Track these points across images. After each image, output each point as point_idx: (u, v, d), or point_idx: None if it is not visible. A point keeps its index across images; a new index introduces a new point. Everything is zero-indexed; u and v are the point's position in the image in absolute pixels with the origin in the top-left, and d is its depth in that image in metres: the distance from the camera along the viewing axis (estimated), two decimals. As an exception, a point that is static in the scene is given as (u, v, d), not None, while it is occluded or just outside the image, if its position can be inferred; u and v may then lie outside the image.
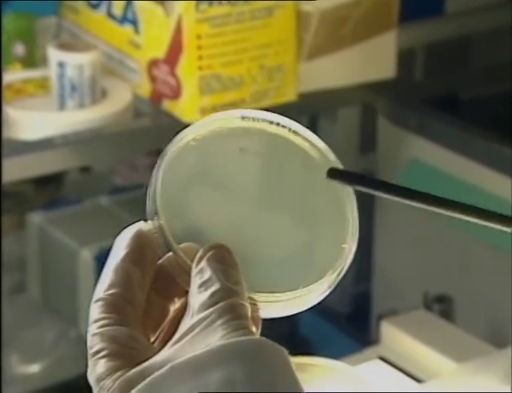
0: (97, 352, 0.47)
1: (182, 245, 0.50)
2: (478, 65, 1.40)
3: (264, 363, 0.46)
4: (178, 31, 1.12)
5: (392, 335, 1.15)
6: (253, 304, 0.49)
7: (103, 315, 0.48)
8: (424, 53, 1.37)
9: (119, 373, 0.47)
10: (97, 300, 0.49)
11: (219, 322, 0.47)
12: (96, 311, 0.48)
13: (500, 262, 1.23)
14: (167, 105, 1.16)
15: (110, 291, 0.48)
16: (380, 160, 1.37)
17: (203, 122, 0.52)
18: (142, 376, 0.46)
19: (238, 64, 1.14)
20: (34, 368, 1.34)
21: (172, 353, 0.47)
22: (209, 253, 0.49)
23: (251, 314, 0.49)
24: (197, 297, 0.48)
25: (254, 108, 1.26)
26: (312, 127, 1.49)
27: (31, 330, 1.30)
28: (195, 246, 0.49)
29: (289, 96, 1.18)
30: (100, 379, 0.47)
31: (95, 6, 1.21)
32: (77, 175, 1.53)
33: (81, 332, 1.32)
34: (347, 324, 1.40)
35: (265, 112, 0.52)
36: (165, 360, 0.46)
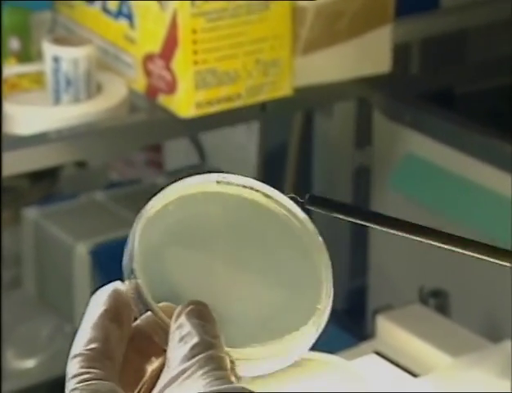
0: None
1: (160, 304, 0.51)
2: (473, 60, 1.40)
3: None
4: (173, 26, 1.11)
5: (388, 329, 1.14)
6: (231, 361, 0.51)
7: (83, 370, 0.48)
8: (420, 48, 1.37)
9: None
10: (76, 356, 0.49)
11: (200, 372, 0.47)
12: (75, 366, 0.48)
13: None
14: (162, 99, 1.16)
15: (89, 347, 0.49)
16: (376, 154, 1.37)
17: (180, 186, 0.53)
18: None
19: (233, 58, 1.14)
20: (30, 363, 1.34)
21: None
22: (188, 309, 0.50)
23: (230, 368, 0.50)
24: (177, 351, 0.48)
25: (250, 102, 1.26)
26: (308, 121, 1.49)
27: (27, 325, 1.30)
28: (172, 305, 0.50)
29: (285, 90, 1.18)
30: None
31: (90, 1, 1.20)
32: (72, 170, 1.53)
33: (76, 326, 1.31)
34: (343, 319, 1.40)
35: (240, 177, 0.54)
36: None
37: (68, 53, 1.12)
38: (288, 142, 1.45)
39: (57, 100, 1.14)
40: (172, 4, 1.11)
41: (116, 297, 0.51)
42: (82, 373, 0.48)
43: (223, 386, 0.47)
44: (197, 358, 0.48)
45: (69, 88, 1.13)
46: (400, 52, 1.28)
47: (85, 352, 0.49)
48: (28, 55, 1.19)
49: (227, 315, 0.51)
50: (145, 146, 1.57)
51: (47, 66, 1.13)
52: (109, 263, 1.28)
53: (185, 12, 1.11)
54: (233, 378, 0.48)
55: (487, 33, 1.38)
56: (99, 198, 1.38)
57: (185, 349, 0.48)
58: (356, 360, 1.09)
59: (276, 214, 0.54)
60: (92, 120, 1.13)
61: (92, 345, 0.49)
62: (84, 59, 1.13)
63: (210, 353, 0.48)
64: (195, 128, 1.25)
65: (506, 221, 1.21)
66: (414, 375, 1.10)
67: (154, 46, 1.14)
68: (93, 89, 1.15)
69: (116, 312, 0.50)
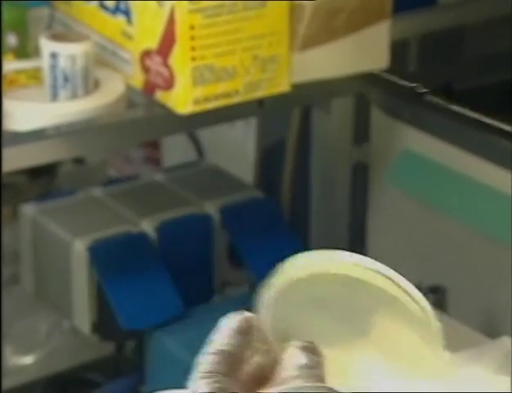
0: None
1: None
2: (471, 56, 1.39)
3: None
4: (171, 22, 1.11)
5: (386, 325, 1.14)
6: None
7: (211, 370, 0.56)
8: (418, 44, 1.37)
9: None
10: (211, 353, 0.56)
11: (299, 380, 0.55)
12: (206, 363, 0.56)
13: (494, 253, 1.23)
14: (160, 95, 1.15)
15: (218, 360, 0.56)
16: (374, 150, 1.37)
17: (320, 259, 0.58)
18: None
19: (231, 54, 1.13)
20: (28, 360, 1.33)
21: None
22: (300, 344, 0.58)
23: None
24: (284, 372, 0.56)
25: (247, 98, 1.25)
26: (306, 117, 1.48)
27: (25, 321, 1.29)
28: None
29: (283, 86, 1.18)
30: None
31: (87, -3, 1.20)
32: (70, 167, 1.53)
33: (74, 323, 1.31)
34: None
35: (378, 263, 0.60)
36: None
37: (65, 49, 1.12)
38: (286, 138, 1.44)
39: (55, 96, 1.13)
40: (169, 0, 1.11)
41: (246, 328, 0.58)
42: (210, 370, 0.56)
43: (305, 384, 0.54)
44: (300, 373, 0.55)
45: (67, 84, 1.13)
46: (398, 49, 1.27)
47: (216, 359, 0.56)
48: (25, 51, 1.19)
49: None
50: (143, 142, 1.56)
51: (45, 62, 1.13)
52: (107, 259, 1.28)
53: (182, 8, 1.10)
54: None
55: (485, 29, 1.38)
56: (97, 194, 1.38)
57: (292, 370, 0.56)
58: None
59: (406, 308, 0.59)
60: (89, 116, 1.12)
61: (220, 360, 0.56)
62: (82, 55, 1.12)
63: (314, 371, 0.56)
64: (193, 124, 1.25)
65: (503, 217, 1.21)
66: (412, 371, 1.09)
67: (152, 42, 1.14)
68: (91, 85, 1.14)
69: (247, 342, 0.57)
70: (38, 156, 1.12)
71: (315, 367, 0.56)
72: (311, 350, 0.57)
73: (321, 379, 0.56)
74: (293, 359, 0.57)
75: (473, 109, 1.28)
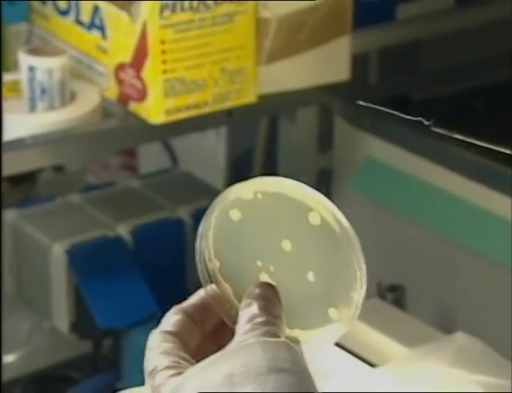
0: (155, 368, 0.52)
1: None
2: (427, 68, 1.41)
3: (260, 354, 0.50)
4: (143, 37, 1.12)
5: (348, 323, 1.15)
6: (294, 340, 0.55)
7: (159, 344, 0.54)
8: (378, 57, 1.38)
9: (171, 379, 0.51)
10: (155, 333, 0.55)
11: (254, 340, 0.51)
12: (153, 342, 0.54)
13: (449, 253, 1.24)
14: (134, 107, 1.16)
15: (166, 329, 0.55)
16: (337, 157, 1.38)
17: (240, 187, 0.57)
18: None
19: (201, 67, 1.14)
20: (9, 358, 1.33)
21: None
22: (257, 291, 0.55)
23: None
24: (241, 327, 0.53)
25: (217, 109, 1.26)
26: (272, 127, 1.49)
27: (6, 322, 1.29)
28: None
29: (250, 98, 1.19)
30: (157, 388, 0.51)
31: (64, 13, 1.20)
32: (50, 174, 1.53)
33: (54, 323, 1.31)
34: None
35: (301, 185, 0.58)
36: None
37: (43, 63, 1.12)
38: (254, 146, 1.45)
39: (33, 108, 1.14)
40: (141, 16, 1.11)
41: (201, 299, 0.56)
42: (159, 346, 0.54)
43: (250, 341, 0.50)
44: (255, 332, 0.52)
45: (44, 96, 1.13)
46: (359, 61, 1.29)
47: (163, 332, 0.55)
48: (5, 65, 1.19)
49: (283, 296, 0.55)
50: (120, 150, 1.56)
51: (23, 76, 1.13)
52: (84, 262, 1.28)
53: (154, 24, 1.11)
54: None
55: (441, 43, 1.39)
56: (75, 200, 1.38)
57: (248, 326, 0.52)
58: (316, 352, 1.10)
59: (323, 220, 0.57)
60: (66, 127, 1.12)
61: (170, 328, 0.54)
62: (58, 69, 1.13)
63: (269, 329, 0.52)
64: (166, 133, 1.25)
65: (458, 218, 1.22)
66: (372, 365, 1.10)
67: (125, 56, 1.14)
68: (67, 97, 1.15)
69: (195, 310, 0.56)
70: (17, 165, 1.12)
71: (268, 317, 0.53)
72: (264, 296, 0.55)
73: (273, 331, 0.52)
74: (246, 310, 0.54)
75: (429, 117, 1.29)
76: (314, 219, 0.57)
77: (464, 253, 1.21)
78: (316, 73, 1.23)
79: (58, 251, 1.28)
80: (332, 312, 0.57)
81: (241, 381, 0.48)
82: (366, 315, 1.14)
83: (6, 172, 1.12)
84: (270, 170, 1.45)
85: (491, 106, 1.37)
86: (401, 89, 1.39)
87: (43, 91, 1.13)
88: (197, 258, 0.57)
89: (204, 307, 0.56)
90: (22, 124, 1.12)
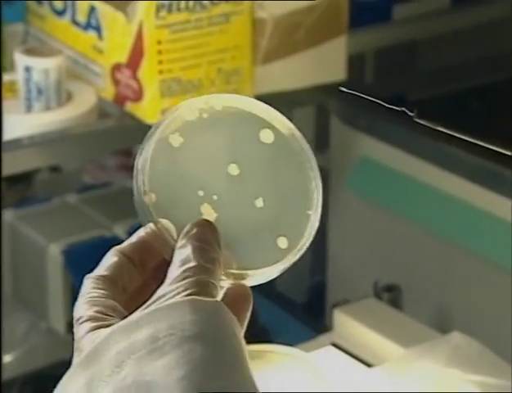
0: (79, 318, 0.49)
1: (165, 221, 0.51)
2: (423, 69, 1.40)
3: (189, 316, 0.46)
4: (139, 37, 1.11)
5: (345, 322, 1.15)
6: (241, 276, 0.50)
7: (89, 290, 0.50)
8: (374, 57, 1.37)
9: (91, 333, 0.48)
10: (87, 278, 0.51)
11: (183, 294, 0.47)
12: (84, 287, 0.50)
13: (446, 253, 1.24)
14: (130, 107, 1.15)
15: (100, 273, 0.51)
16: (333, 157, 1.37)
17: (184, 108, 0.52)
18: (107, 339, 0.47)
19: (197, 68, 1.14)
20: (7, 358, 1.33)
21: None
22: (193, 230, 0.50)
23: (232, 289, 0.50)
24: (173, 271, 0.49)
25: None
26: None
27: (3, 322, 1.29)
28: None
29: (246, 98, 1.18)
30: (78, 340, 0.48)
31: (60, 14, 1.20)
32: (47, 174, 1.52)
33: (50, 323, 1.31)
34: (303, 313, 1.40)
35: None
36: None
37: (39, 63, 1.12)
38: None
39: (29, 108, 1.13)
40: (137, 16, 1.11)
41: (139, 238, 0.51)
42: (88, 293, 0.50)
43: (174, 300, 0.47)
44: (185, 281, 0.48)
45: (41, 96, 1.12)
46: (355, 62, 1.28)
47: (96, 276, 0.50)
48: (1, 65, 1.18)
49: (230, 231, 0.50)
50: (116, 151, 1.56)
51: (19, 76, 1.13)
52: (81, 262, 1.27)
53: (150, 24, 1.11)
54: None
55: (436, 43, 1.39)
56: (72, 201, 1.37)
57: (179, 270, 0.48)
58: (314, 352, 1.09)
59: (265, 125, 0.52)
60: (62, 127, 1.12)
61: (103, 272, 0.50)
62: (55, 69, 1.12)
63: (200, 278, 0.48)
64: (162, 133, 1.24)
65: (454, 218, 1.22)
66: (368, 365, 1.10)
67: (122, 56, 1.14)
68: (63, 98, 1.14)
69: (133, 251, 0.51)
70: (13, 165, 1.12)
71: (201, 260, 0.48)
72: (200, 237, 0.49)
73: (204, 280, 0.48)
74: (179, 252, 0.49)
75: (425, 118, 1.29)
76: (266, 136, 0.52)
77: (460, 253, 1.21)
78: (313, 73, 1.22)
79: (54, 251, 1.27)
80: (281, 241, 0.51)
81: (163, 346, 0.45)
82: (363, 315, 1.14)
83: (3, 172, 1.11)
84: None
85: (487, 106, 1.37)
86: (398, 89, 1.38)
87: (40, 91, 1.12)
88: (135, 193, 0.52)
89: (143, 246, 0.51)
90: (19, 124, 1.12)
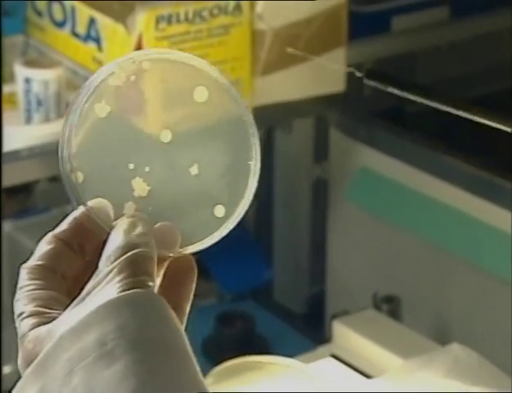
0: (20, 314, 0.48)
1: (97, 201, 0.49)
2: (423, 80, 1.41)
3: (136, 316, 0.44)
4: (139, 48, 1.11)
5: (344, 334, 1.15)
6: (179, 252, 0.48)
7: (27, 282, 0.48)
8: (372, 69, 1.38)
9: (35, 330, 0.47)
10: (24, 268, 0.49)
11: (118, 278, 0.46)
12: (21, 278, 0.49)
13: (445, 264, 1.24)
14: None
15: (37, 262, 0.49)
16: (333, 168, 1.38)
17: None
18: (49, 335, 0.46)
19: (196, 79, 1.14)
20: (7, 369, 1.33)
21: (74, 313, 0.46)
22: (123, 220, 0.48)
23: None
24: (105, 254, 0.47)
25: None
26: (268, 138, 1.49)
27: (3, 334, 1.28)
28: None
29: (245, 109, 1.18)
30: (21, 337, 0.47)
31: (60, 25, 1.20)
32: (47, 185, 1.52)
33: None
34: (302, 324, 1.40)
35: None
36: (65, 321, 0.46)
37: (39, 75, 1.12)
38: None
39: (29, 119, 1.13)
40: (137, 28, 1.11)
41: (74, 221, 0.50)
42: (26, 285, 0.48)
43: (114, 296, 0.45)
44: (118, 261, 0.46)
45: (40, 107, 1.13)
46: (354, 73, 1.28)
47: (32, 266, 0.49)
48: (0, 77, 1.19)
49: (167, 202, 0.48)
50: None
51: (19, 87, 1.13)
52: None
53: (149, 36, 1.11)
54: (150, 282, 0.46)
55: (435, 55, 1.39)
56: (71, 211, 1.37)
57: (109, 251, 0.47)
58: (313, 363, 1.09)
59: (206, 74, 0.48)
60: (62, 138, 1.12)
61: (40, 261, 0.49)
62: (54, 80, 1.12)
63: (132, 253, 0.46)
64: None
65: (453, 229, 1.22)
66: (367, 376, 1.10)
67: (121, 68, 1.14)
68: (63, 109, 1.14)
69: (71, 230, 0.49)
70: (13, 176, 1.12)
71: (133, 237, 0.46)
72: (130, 220, 0.47)
73: (138, 255, 0.46)
74: (111, 236, 0.47)
75: (424, 129, 1.29)
76: (200, 95, 0.48)
77: (459, 264, 1.21)
78: (312, 84, 1.23)
79: (54, 262, 1.27)
80: (218, 209, 0.49)
81: (111, 351, 0.43)
82: (362, 326, 1.14)
83: (3, 184, 1.11)
84: (265, 181, 1.44)
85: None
86: (397, 101, 1.38)
87: (39, 103, 1.12)
88: (60, 169, 0.49)
89: (79, 230, 0.49)
90: (18, 135, 1.12)
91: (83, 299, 0.47)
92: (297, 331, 1.35)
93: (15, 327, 0.48)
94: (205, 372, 1.01)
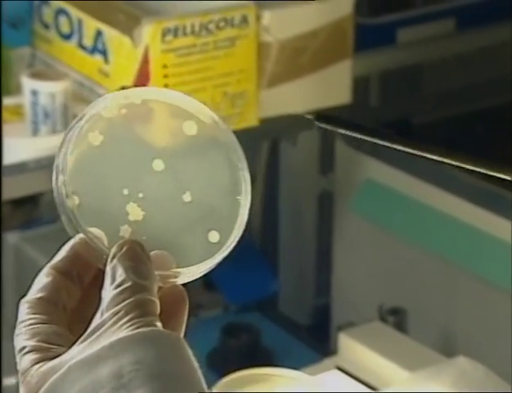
0: (22, 349, 0.47)
1: (94, 230, 0.49)
2: (428, 92, 1.41)
3: (153, 351, 0.45)
4: (145, 61, 1.12)
5: (350, 346, 1.15)
6: (173, 275, 0.49)
7: (28, 316, 0.48)
8: (379, 80, 1.38)
9: (39, 366, 0.46)
10: (24, 303, 0.49)
11: (126, 319, 0.46)
12: (22, 313, 0.48)
13: (451, 276, 1.24)
14: (135, 130, 1.16)
15: (37, 295, 0.49)
16: (338, 180, 1.38)
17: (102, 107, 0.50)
18: (54, 370, 0.46)
19: (202, 91, 1.14)
20: (10, 381, 1.33)
21: (80, 350, 0.46)
22: (122, 250, 0.48)
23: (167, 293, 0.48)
24: (108, 294, 0.47)
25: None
26: (274, 150, 1.49)
27: (8, 345, 1.29)
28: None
29: (251, 121, 1.19)
30: (23, 373, 0.47)
31: (67, 38, 1.21)
32: (52, 196, 1.53)
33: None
34: (308, 336, 1.40)
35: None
36: (72, 358, 0.46)
37: (45, 87, 1.12)
38: (255, 169, 1.45)
39: (35, 131, 1.14)
40: (144, 40, 1.12)
41: (72, 247, 0.50)
42: (27, 319, 0.48)
43: (133, 332, 0.45)
44: (125, 303, 0.46)
45: (47, 120, 1.13)
46: (360, 85, 1.29)
47: (32, 300, 0.49)
48: (8, 88, 1.19)
49: (159, 230, 0.49)
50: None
51: (26, 99, 1.13)
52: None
53: (156, 48, 1.12)
54: (158, 323, 0.47)
55: (441, 67, 1.40)
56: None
57: (115, 292, 0.47)
58: (319, 376, 1.09)
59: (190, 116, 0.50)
60: (68, 150, 1.13)
61: (40, 294, 0.49)
62: (61, 92, 1.13)
63: (138, 297, 0.46)
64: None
65: (459, 241, 1.22)
66: (373, 389, 1.10)
67: (128, 80, 1.14)
68: (70, 121, 1.14)
69: (68, 261, 0.49)
70: (19, 188, 1.12)
71: (136, 278, 0.46)
72: (132, 256, 0.47)
73: (142, 301, 0.46)
74: (110, 273, 0.47)
75: (430, 141, 1.29)
76: (189, 128, 0.50)
77: (465, 276, 1.21)
78: (318, 96, 1.23)
79: (60, 274, 1.27)
80: (212, 235, 0.50)
81: (129, 383, 0.43)
82: (368, 339, 1.14)
83: (10, 195, 1.12)
84: (271, 193, 1.45)
85: (492, 130, 1.38)
86: (403, 113, 1.39)
87: (46, 115, 1.13)
88: (56, 199, 0.51)
89: (77, 259, 0.49)
90: (25, 147, 1.12)
91: (89, 336, 0.47)
92: (302, 342, 1.35)
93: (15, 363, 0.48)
94: (210, 385, 1.01)
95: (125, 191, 0.50)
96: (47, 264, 0.52)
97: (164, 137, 0.50)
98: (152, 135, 0.50)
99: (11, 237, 1.34)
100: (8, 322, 1.30)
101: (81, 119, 0.50)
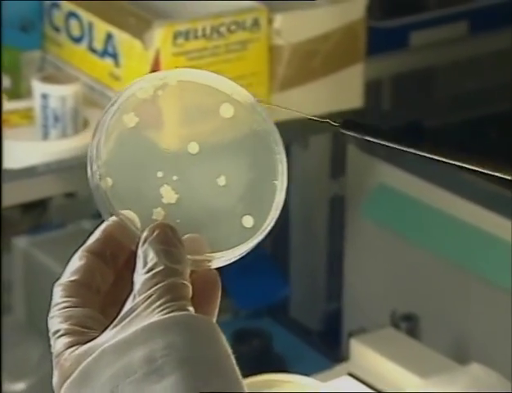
0: (56, 332, 0.47)
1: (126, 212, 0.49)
2: (441, 96, 1.41)
3: (186, 335, 0.45)
4: (156, 64, 1.12)
5: (362, 352, 1.14)
6: (207, 260, 0.48)
7: (61, 299, 0.48)
8: (391, 84, 1.38)
9: (72, 349, 0.47)
10: (58, 286, 0.49)
11: (158, 303, 0.46)
12: (56, 296, 0.49)
13: (464, 282, 1.23)
14: (146, 134, 1.16)
15: (71, 278, 0.49)
16: (350, 184, 1.38)
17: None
18: (87, 354, 0.46)
19: (213, 95, 1.14)
20: (20, 386, 1.33)
21: (113, 334, 0.46)
22: (154, 234, 0.48)
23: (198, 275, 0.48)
24: (140, 278, 0.47)
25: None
26: (285, 154, 1.49)
27: (16, 350, 1.29)
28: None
29: (263, 125, 1.18)
30: (57, 356, 0.47)
31: (77, 41, 1.21)
32: (62, 200, 1.53)
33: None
34: (319, 342, 1.40)
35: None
36: (105, 342, 0.46)
37: (56, 91, 1.12)
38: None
39: (46, 135, 1.14)
40: (154, 44, 1.12)
41: (105, 229, 0.50)
42: (61, 302, 0.48)
43: (165, 317, 0.45)
44: (157, 287, 0.46)
45: (57, 123, 1.13)
46: (372, 88, 1.29)
47: (66, 283, 0.49)
48: (18, 92, 1.19)
49: (197, 213, 0.49)
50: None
51: (36, 103, 1.13)
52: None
53: (167, 51, 1.11)
54: (191, 307, 0.47)
55: (454, 70, 1.39)
56: (86, 227, 1.38)
57: (147, 276, 0.47)
58: (330, 382, 1.09)
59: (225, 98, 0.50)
60: (78, 154, 1.13)
61: (73, 277, 0.49)
62: (71, 96, 1.13)
63: (170, 281, 0.46)
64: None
65: (472, 247, 1.22)
66: (386, 396, 1.10)
67: (138, 83, 1.14)
68: (80, 125, 1.15)
69: (101, 242, 0.49)
70: (29, 192, 1.12)
71: (167, 262, 0.46)
72: (164, 239, 0.47)
73: (174, 285, 0.46)
74: (142, 258, 0.47)
75: (442, 145, 1.29)
76: (226, 110, 0.50)
77: (478, 282, 1.20)
78: (330, 100, 1.23)
79: (69, 278, 1.27)
80: (246, 220, 0.49)
81: (162, 367, 0.43)
82: (380, 345, 1.14)
83: (20, 199, 1.12)
84: (282, 197, 1.44)
85: (505, 133, 1.37)
86: (415, 116, 1.38)
87: (56, 118, 1.13)
88: (89, 179, 0.50)
89: (111, 241, 0.49)
90: (35, 151, 1.12)
91: (122, 320, 0.47)
92: (314, 348, 1.35)
93: (49, 346, 0.48)
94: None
95: (159, 174, 0.49)
96: (61, 268, 0.52)
97: (200, 119, 0.49)
98: (187, 117, 0.49)
99: (20, 242, 1.34)
100: (15, 326, 1.30)
101: (113, 104, 0.49)
